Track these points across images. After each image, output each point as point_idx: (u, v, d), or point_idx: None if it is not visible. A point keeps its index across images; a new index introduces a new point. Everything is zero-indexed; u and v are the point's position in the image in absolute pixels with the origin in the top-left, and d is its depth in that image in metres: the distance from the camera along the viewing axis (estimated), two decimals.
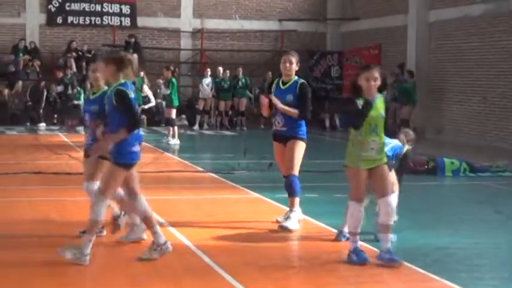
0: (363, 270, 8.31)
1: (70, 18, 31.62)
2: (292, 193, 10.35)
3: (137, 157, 8.41)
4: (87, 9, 31.74)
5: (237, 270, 8.15)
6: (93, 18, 31.84)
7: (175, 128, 22.92)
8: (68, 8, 31.57)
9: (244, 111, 30.03)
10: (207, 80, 29.77)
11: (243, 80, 30.02)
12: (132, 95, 8.31)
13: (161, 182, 14.98)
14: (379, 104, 8.57)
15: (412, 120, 25.07)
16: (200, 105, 29.63)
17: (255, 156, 17.52)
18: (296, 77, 10.36)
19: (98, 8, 31.78)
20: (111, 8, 31.91)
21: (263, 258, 8.84)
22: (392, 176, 9.03)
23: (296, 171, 10.32)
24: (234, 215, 11.45)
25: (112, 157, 8.28)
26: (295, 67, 10.30)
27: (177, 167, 17.26)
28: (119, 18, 31.98)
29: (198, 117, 29.56)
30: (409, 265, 8.46)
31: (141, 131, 9.25)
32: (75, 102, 29.29)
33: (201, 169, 16.85)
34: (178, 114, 29.58)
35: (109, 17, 31.93)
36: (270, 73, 29.66)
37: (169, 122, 23.08)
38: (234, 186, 14.33)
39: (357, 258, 8.41)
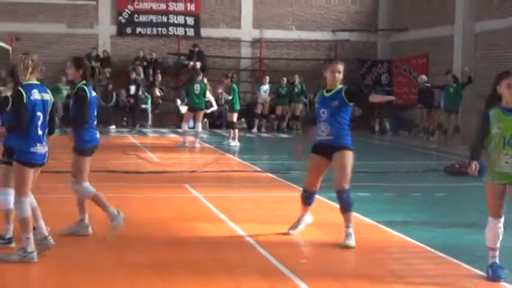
0: (410, 265, 8.28)
1: (138, 29, 31.95)
2: (348, 208, 9.23)
3: (36, 159, 8.02)
4: (154, 20, 32.02)
5: (293, 263, 8.18)
6: (159, 29, 32.11)
7: (236, 130, 23.02)
8: (136, 20, 31.89)
9: (300, 115, 30.08)
10: (265, 87, 30.02)
11: (299, 87, 30.10)
12: (32, 97, 7.97)
13: (223, 181, 15.08)
14: None
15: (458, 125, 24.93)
16: (258, 110, 29.82)
17: (308, 157, 17.46)
18: (340, 85, 9.39)
19: (165, 19, 32.03)
20: (176, 19, 32.14)
21: (318, 252, 8.86)
22: None
23: (348, 183, 9.23)
24: (290, 212, 11.46)
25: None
26: (341, 76, 9.44)
27: (237, 167, 17.34)
28: (183, 28, 32.19)
29: (257, 121, 29.75)
30: (455, 260, 8.41)
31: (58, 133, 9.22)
32: (143, 106, 29.64)
33: (259, 169, 16.90)
34: (238, 118, 29.77)
35: (174, 28, 32.15)
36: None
37: (230, 125, 23.19)
38: (290, 185, 14.33)
39: (491, 274, 7.61)
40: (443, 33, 28.29)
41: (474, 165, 7.62)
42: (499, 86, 7.49)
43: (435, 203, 12.86)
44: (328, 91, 9.40)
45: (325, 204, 11.80)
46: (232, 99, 22.56)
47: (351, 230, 9.11)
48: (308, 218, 9.84)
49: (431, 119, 26.31)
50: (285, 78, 30.12)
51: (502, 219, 7.57)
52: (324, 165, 9.37)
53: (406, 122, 29.74)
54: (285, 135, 28.07)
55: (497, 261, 7.63)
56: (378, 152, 22.40)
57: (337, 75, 9.32)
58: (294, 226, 9.77)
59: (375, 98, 9.58)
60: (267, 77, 30.31)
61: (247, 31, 32.82)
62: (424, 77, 26.76)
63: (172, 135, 26.42)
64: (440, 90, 25.45)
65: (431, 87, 25.93)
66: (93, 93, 9.46)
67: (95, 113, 9.52)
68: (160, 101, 30.52)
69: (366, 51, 33.00)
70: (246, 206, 12.17)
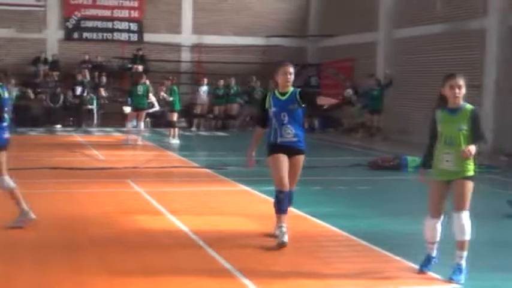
0: (336, 253, 8.32)
1: (85, 34, 31.53)
2: (289, 206, 8.96)
3: None
4: (99, 26, 31.64)
5: (228, 251, 8.15)
6: (105, 34, 31.74)
7: (176, 129, 22.90)
8: (83, 25, 31.48)
9: (235, 115, 30.16)
10: (203, 88, 30.02)
11: (235, 88, 30.14)
12: None
13: (163, 176, 14.98)
14: (461, 115, 7.28)
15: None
16: (197, 110, 29.78)
17: (244, 154, 17.49)
18: (291, 87, 8.80)
19: (110, 25, 31.69)
20: (120, 25, 31.82)
21: (252, 241, 8.84)
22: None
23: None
24: (225, 204, 11.45)
25: None
26: (293, 77, 8.77)
27: (177, 163, 17.23)
28: (127, 34, 31.91)
29: (196, 120, 29.70)
30: (376, 247, 8.46)
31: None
32: (89, 106, 29.30)
33: (197, 165, 16.84)
34: (178, 117, 29.60)
35: (119, 33, 31.83)
36: (253, 77, 30.00)
37: (170, 124, 23.05)
38: (225, 180, 14.31)
39: (422, 263, 7.40)
40: (367, 39, 28.56)
41: (421, 173, 7.60)
42: (443, 88, 7.35)
43: (358, 195, 12.97)
44: (282, 94, 8.77)
45: (257, 196, 11.81)
46: (173, 100, 22.44)
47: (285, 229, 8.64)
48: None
49: (355, 119, 26.61)
50: (221, 81, 30.12)
51: (441, 219, 7.36)
52: (287, 163, 8.79)
53: (333, 120, 29.96)
54: (221, 133, 28.04)
55: (433, 253, 7.43)
56: (307, 149, 22.46)
57: (289, 76, 8.68)
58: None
59: (321, 100, 9.22)
60: (205, 79, 30.36)
61: (187, 37, 32.71)
62: (349, 91, 26.95)
63: (117, 134, 26.16)
64: (365, 98, 25.81)
65: (357, 96, 25.92)
66: (6, 95, 9.17)
67: (6, 114, 9.14)
68: (106, 102, 30.21)
69: (296, 56, 33.11)
70: (184, 199, 12.10)
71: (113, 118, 29.68)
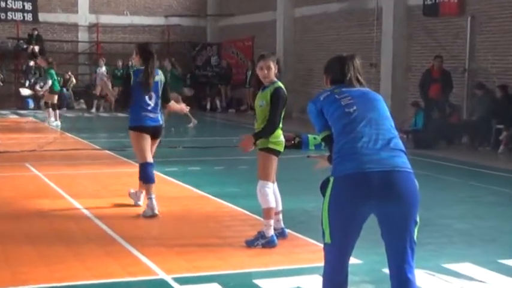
0: (242, 233, 8.35)
1: None
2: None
3: None
4: None
5: (129, 234, 8.10)
6: None
7: (57, 111, 22.62)
8: None
9: None
10: (102, 69, 29.51)
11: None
12: None
13: (63, 159, 14.70)
14: (264, 94, 7.63)
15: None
16: (97, 91, 29.26)
17: None
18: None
19: (3, 4, 30.74)
20: (14, 5, 30.93)
21: (152, 223, 8.82)
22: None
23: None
24: (126, 186, 11.35)
25: None
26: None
27: (77, 145, 16.95)
28: (21, 13, 31.05)
29: (95, 101, 29.21)
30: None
31: None
32: None
33: (98, 147, 16.63)
34: (77, 99, 29.19)
35: (12, 13, 30.94)
36: (157, 62, 29.52)
37: (51, 106, 22.64)
38: (127, 161, 14.18)
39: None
40: (267, 18, 28.71)
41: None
42: (256, 68, 7.72)
43: None
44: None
45: (159, 177, 11.77)
46: (53, 82, 22.12)
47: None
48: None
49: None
50: (120, 61, 29.67)
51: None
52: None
53: (235, 100, 30.06)
54: (122, 115, 27.72)
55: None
56: (209, 129, 22.53)
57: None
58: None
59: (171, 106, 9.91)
60: (103, 60, 29.86)
61: (83, 16, 32.11)
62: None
63: (13, 116, 25.54)
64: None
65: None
66: None
67: None
68: (1, 84, 29.41)
69: (196, 35, 33.11)
70: (85, 182, 11.94)
71: (8, 100, 29.01)
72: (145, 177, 9.29)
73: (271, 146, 7.80)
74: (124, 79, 9.94)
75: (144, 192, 9.48)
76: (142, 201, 9.60)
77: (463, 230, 8.77)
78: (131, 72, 9.62)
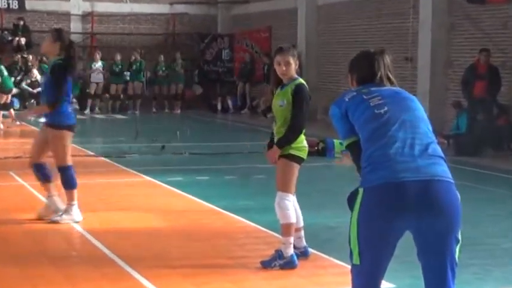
0: (257, 252, 8.33)
1: None
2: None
3: None
4: None
5: (128, 253, 8.10)
6: None
7: (12, 112, 22.94)
8: None
9: (138, 95, 29.73)
10: (97, 64, 29.48)
11: (138, 64, 29.56)
12: None
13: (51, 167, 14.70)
14: (283, 92, 7.62)
15: None
16: (92, 90, 29.29)
17: (146, 140, 17.48)
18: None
19: None
20: None
21: (154, 241, 8.82)
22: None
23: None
24: (126, 199, 11.37)
25: None
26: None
27: None
28: (6, 1, 31.24)
29: (89, 101, 29.24)
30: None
31: None
32: None
33: (92, 153, 16.67)
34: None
35: None
36: (161, 56, 29.68)
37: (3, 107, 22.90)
38: (126, 170, 14.21)
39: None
40: (286, 5, 28.70)
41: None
42: (274, 63, 7.67)
43: None
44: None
45: (162, 188, 11.78)
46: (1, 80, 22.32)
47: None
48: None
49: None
50: (118, 55, 29.69)
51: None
52: None
53: (250, 99, 29.97)
54: (120, 116, 27.79)
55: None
56: (220, 133, 22.53)
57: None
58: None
59: None
60: (99, 54, 29.86)
61: (76, 4, 32.18)
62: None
63: None
64: None
65: None
66: None
67: None
68: None
69: (205, 26, 33.08)
70: (78, 194, 11.92)
71: None
72: (74, 182, 9.86)
73: (293, 152, 7.73)
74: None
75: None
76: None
77: None
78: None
